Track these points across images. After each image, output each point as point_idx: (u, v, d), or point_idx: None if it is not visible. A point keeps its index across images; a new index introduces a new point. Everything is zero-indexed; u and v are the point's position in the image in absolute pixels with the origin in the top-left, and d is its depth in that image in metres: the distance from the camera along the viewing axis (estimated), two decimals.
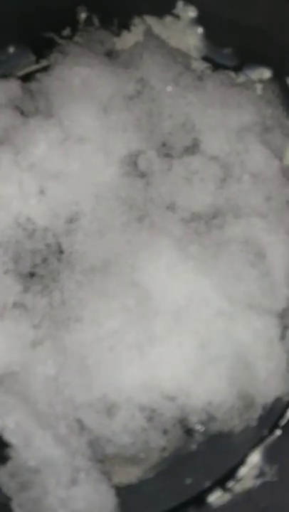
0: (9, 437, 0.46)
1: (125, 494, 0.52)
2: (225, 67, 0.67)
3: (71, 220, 0.60)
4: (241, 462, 0.54)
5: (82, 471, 0.47)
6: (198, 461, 0.55)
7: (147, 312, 0.55)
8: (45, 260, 0.59)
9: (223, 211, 0.61)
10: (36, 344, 0.53)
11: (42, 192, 0.59)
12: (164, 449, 0.56)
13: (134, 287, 0.56)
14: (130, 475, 0.55)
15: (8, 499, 0.48)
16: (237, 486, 0.53)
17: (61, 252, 0.59)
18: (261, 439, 0.57)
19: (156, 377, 0.53)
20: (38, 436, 0.46)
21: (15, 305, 0.57)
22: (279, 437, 0.57)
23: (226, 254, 0.58)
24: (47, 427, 0.48)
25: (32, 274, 0.59)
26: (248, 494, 0.53)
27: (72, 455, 0.48)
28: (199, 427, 0.56)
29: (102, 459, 0.54)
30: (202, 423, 0.56)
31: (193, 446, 0.56)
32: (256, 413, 0.55)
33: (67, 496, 0.45)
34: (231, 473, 0.53)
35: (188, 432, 0.56)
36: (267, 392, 0.55)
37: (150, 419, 0.54)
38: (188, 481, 0.54)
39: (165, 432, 0.55)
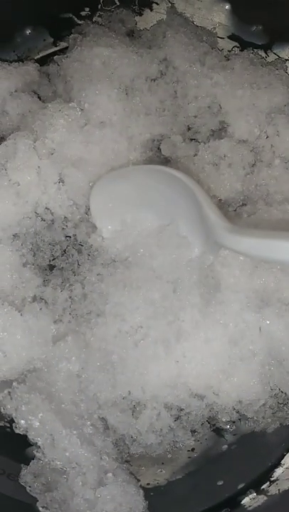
0: (35, 437, 0.44)
1: (153, 496, 0.52)
2: (253, 46, 0.66)
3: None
4: (276, 463, 0.51)
5: (110, 472, 0.45)
6: (230, 462, 0.54)
7: (173, 306, 0.53)
8: (64, 252, 0.58)
9: (253, 198, 0.59)
10: (58, 339, 0.52)
11: (61, 180, 0.58)
12: (192, 449, 0.55)
13: (158, 279, 0.55)
14: (158, 476, 0.54)
15: (34, 499, 0.47)
16: (272, 488, 0.51)
17: (81, 244, 0.58)
18: None
19: (184, 375, 0.52)
20: (63, 436, 0.44)
21: (34, 299, 0.56)
22: None
23: None
24: (72, 427, 0.46)
25: (51, 267, 0.58)
26: (285, 496, 0.51)
27: (99, 455, 0.46)
28: (229, 427, 0.55)
29: (128, 459, 0.53)
30: (232, 422, 0.55)
31: (224, 447, 0.55)
32: None
33: (94, 498, 0.43)
34: (266, 475, 0.51)
35: (218, 431, 0.55)
36: None
37: (177, 418, 0.54)
38: (220, 482, 0.53)
39: (193, 431, 0.54)
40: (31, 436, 0.44)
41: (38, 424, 0.43)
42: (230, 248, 0.51)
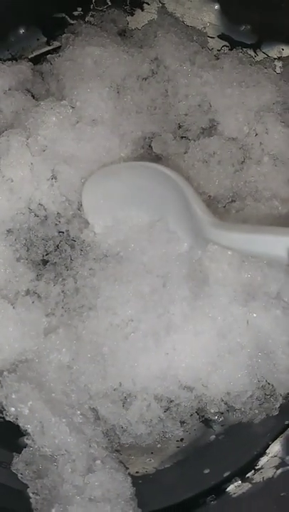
0: (24, 424, 0.45)
1: (142, 484, 0.52)
2: (242, 45, 0.66)
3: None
4: (261, 452, 0.52)
5: (98, 459, 0.46)
6: (217, 451, 0.54)
7: (162, 299, 0.54)
8: (57, 247, 0.59)
9: (242, 194, 0.59)
10: (49, 332, 0.53)
11: (54, 177, 0.58)
12: (181, 439, 0.56)
13: (148, 274, 0.55)
14: (147, 465, 0.55)
15: (25, 486, 0.48)
16: (257, 476, 0.52)
17: (74, 239, 0.59)
18: (282, 429, 0.56)
19: (173, 367, 0.53)
20: (52, 424, 0.45)
21: (27, 293, 0.56)
22: None
23: None
24: (62, 415, 0.47)
25: (45, 262, 0.59)
26: (268, 484, 0.52)
27: (88, 443, 0.47)
28: (217, 418, 0.55)
29: (118, 448, 0.54)
30: (221, 414, 0.55)
31: (212, 437, 0.56)
32: (277, 403, 0.54)
33: (83, 484, 0.44)
34: (251, 463, 0.52)
35: (207, 422, 0.56)
36: (288, 381, 0.53)
37: (167, 409, 0.54)
38: (206, 471, 0.54)
39: (182, 422, 0.55)
40: (21, 423, 0.45)
41: (27, 411, 0.44)
42: (217, 243, 0.52)
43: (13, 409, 0.44)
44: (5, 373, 0.47)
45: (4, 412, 0.46)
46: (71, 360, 0.51)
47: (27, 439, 0.46)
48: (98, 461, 0.46)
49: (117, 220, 0.59)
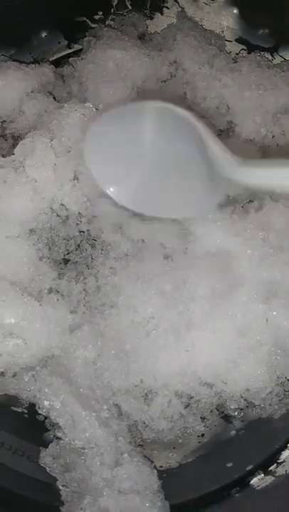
0: (56, 418, 0.46)
1: (166, 477, 0.52)
2: (260, 49, 0.67)
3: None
4: (283, 446, 0.53)
5: (126, 453, 0.47)
6: (238, 446, 0.55)
7: (183, 297, 0.55)
8: (78, 247, 0.59)
9: (259, 195, 0.59)
10: (74, 329, 0.54)
11: (76, 177, 0.59)
12: (202, 435, 0.56)
13: (168, 272, 0.56)
14: (170, 459, 0.55)
15: (53, 479, 0.48)
16: (280, 469, 0.53)
17: (94, 238, 0.59)
18: None
19: (193, 364, 0.53)
20: (83, 417, 0.46)
21: (50, 291, 0.57)
22: None
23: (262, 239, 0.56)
24: (91, 409, 0.48)
25: (66, 261, 0.59)
26: None
27: (115, 437, 0.48)
28: (237, 414, 0.56)
29: (141, 443, 0.54)
30: (240, 409, 0.55)
31: (232, 432, 0.56)
32: None
33: (111, 477, 0.45)
34: (273, 457, 0.52)
35: (227, 418, 0.56)
36: None
37: (187, 405, 0.54)
38: (229, 464, 0.54)
39: (203, 418, 0.55)
40: (53, 416, 0.46)
41: (59, 405, 0.45)
42: (243, 183, 0.49)
43: (47, 402, 0.45)
44: (37, 368, 0.48)
45: (37, 406, 0.46)
46: (96, 357, 0.52)
47: (58, 432, 0.47)
48: (126, 455, 0.47)
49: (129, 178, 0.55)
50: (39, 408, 0.46)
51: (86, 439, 0.46)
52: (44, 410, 0.46)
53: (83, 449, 0.46)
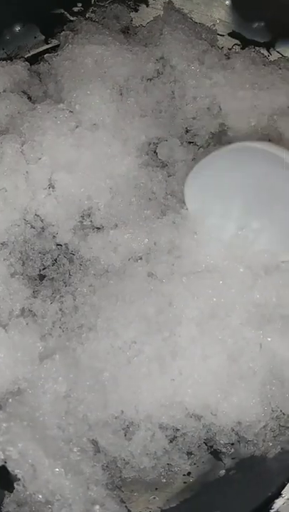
0: (14, 469, 0.42)
1: None
2: (255, 44, 0.65)
3: (83, 217, 0.57)
4: (276, 492, 0.48)
5: (97, 504, 0.42)
6: (228, 488, 0.51)
7: (168, 320, 0.52)
8: (55, 261, 0.57)
9: None
10: (45, 357, 0.50)
11: (51, 186, 0.56)
12: (188, 473, 0.53)
13: (152, 292, 0.53)
14: (151, 504, 0.51)
15: None
16: None
17: (73, 252, 0.57)
18: None
19: (180, 394, 0.51)
20: (46, 467, 0.42)
21: (23, 311, 0.54)
22: None
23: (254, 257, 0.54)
24: (57, 454, 0.43)
25: (41, 277, 0.57)
26: None
27: (86, 485, 0.44)
28: (228, 450, 0.52)
29: (120, 484, 0.50)
30: (231, 445, 0.52)
31: (222, 472, 0.52)
32: None
33: None
34: (265, 505, 0.48)
35: (216, 454, 0.53)
36: None
37: (173, 439, 0.52)
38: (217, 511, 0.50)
39: (189, 453, 0.52)
40: (10, 467, 0.41)
41: (17, 455, 0.40)
42: None
43: (0, 452, 0.40)
44: None
45: None
46: (68, 390, 0.48)
47: (17, 483, 0.42)
48: (97, 507, 0.42)
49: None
50: None
51: (50, 492, 0.41)
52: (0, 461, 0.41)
53: (47, 503, 0.41)
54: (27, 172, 0.55)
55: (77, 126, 0.56)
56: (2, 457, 0.41)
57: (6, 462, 0.41)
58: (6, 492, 0.45)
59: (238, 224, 0.53)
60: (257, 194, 0.51)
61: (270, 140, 0.58)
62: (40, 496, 0.41)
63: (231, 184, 0.52)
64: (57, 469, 0.41)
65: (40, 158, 0.54)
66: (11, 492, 0.45)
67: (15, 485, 0.42)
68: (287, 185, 0.49)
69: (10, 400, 0.44)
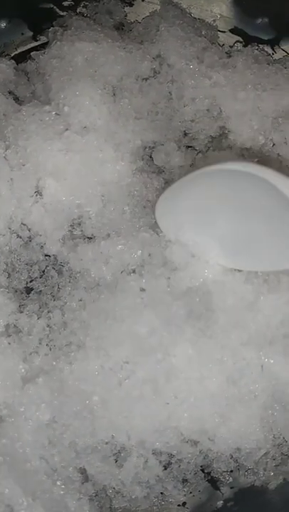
0: None
1: None
2: (258, 41, 0.64)
3: (73, 226, 0.56)
4: None
5: None
6: None
7: (163, 339, 0.50)
8: (43, 273, 0.55)
9: None
10: (28, 381, 0.47)
11: (38, 193, 0.55)
12: (183, 503, 0.51)
13: (146, 309, 0.51)
14: None
15: None
16: None
17: (62, 264, 0.55)
18: None
19: (174, 418, 0.49)
20: (25, 508, 0.38)
21: (7, 328, 0.52)
22: None
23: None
24: (38, 491, 0.41)
25: (28, 290, 0.55)
26: None
27: None
28: (226, 478, 0.51)
29: None
30: (230, 472, 0.51)
31: (219, 503, 0.50)
32: None
33: None
34: None
35: (213, 483, 0.51)
36: None
37: (167, 466, 0.50)
38: None
39: (185, 481, 0.51)
40: None
41: None
42: None
43: None
44: None
45: None
46: (51, 418, 0.46)
47: None
48: None
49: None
50: None
51: None
52: None
53: None
54: (11, 179, 0.53)
55: (66, 130, 0.54)
56: None
57: None
58: None
59: (221, 245, 0.53)
60: (236, 212, 0.51)
61: (273, 145, 0.57)
62: None
63: (208, 207, 0.52)
64: (37, 509, 0.38)
65: (24, 165, 0.53)
66: None
67: None
68: (264, 199, 0.48)
69: None
